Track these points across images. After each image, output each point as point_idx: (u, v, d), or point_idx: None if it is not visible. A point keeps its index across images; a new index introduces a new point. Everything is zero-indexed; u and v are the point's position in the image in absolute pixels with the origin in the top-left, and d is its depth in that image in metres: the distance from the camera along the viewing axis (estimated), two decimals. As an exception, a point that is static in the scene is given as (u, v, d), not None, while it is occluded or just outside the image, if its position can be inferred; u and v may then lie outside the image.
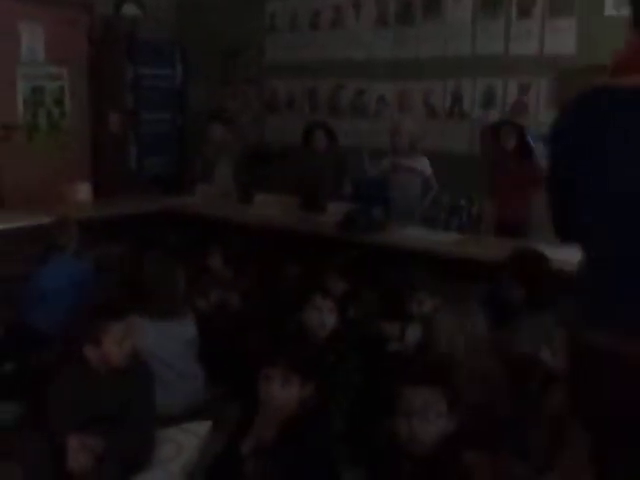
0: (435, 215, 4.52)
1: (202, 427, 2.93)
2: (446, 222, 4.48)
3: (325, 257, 4.02)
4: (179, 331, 3.26)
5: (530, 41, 5.23)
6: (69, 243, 4.03)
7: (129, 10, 6.68)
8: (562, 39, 5.10)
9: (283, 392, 2.27)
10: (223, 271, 4.09)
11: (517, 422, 2.51)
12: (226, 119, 5.90)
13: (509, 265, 3.30)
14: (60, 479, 2.50)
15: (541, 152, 4.69)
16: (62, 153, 6.39)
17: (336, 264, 3.84)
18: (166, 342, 3.18)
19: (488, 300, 3.50)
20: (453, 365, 2.46)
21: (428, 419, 2.10)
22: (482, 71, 5.48)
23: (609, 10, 4.89)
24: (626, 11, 1.74)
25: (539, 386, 2.52)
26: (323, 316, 3.15)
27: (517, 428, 2.49)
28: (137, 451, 2.65)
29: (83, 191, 5.29)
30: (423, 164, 4.85)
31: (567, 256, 3.66)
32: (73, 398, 2.64)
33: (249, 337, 3.50)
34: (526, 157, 4.76)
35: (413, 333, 3.31)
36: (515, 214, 4.68)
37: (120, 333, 2.65)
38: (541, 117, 5.20)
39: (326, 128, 5.37)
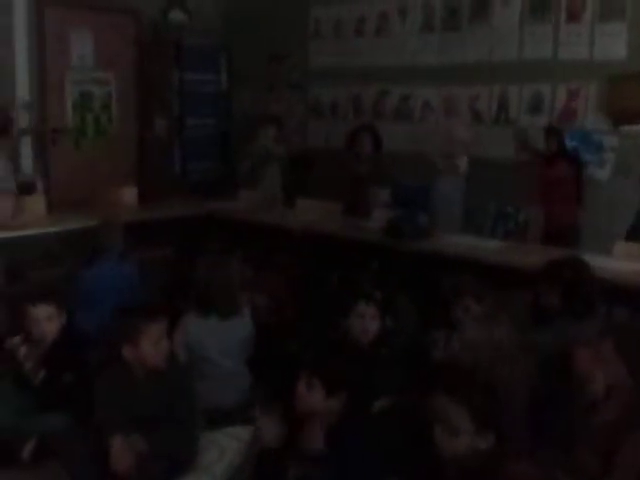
0: (481, 222, 4.47)
1: (245, 431, 2.96)
2: (492, 229, 4.42)
3: (367, 263, 4.01)
4: (232, 330, 3.30)
5: (579, 46, 5.13)
6: (115, 246, 4.08)
7: (176, 16, 6.76)
8: (612, 44, 4.99)
9: (308, 396, 2.33)
10: (242, 271, 4.07)
11: (566, 435, 2.45)
12: (278, 122, 5.93)
13: (546, 272, 3.24)
14: (105, 480, 2.53)
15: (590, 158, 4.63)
16: (109, 157, 6.50)
17: (373, 270, 3.82)
18: (217, 340, 3.23)
19: (528, 308, 3.45)
20: (482, 380, 2.40)
21: (454, 433, 2.09)
22: (529, 76, 5.41)
23: (662, 14, 4.79)
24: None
25: (590, 398, 2.45)
26: (366, 322, 3.13)
27: (566, 441, 2.44)
28: (180, 451, 2.69)
29: (129, 195, 5.34)
30: (461, 162, 4.80)
31: (612, 264, 3.64)
32: (116, 400, 2.69)
33: (284, 341, 3.51)
34: (570, 162, 4.70)
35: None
36: (561, 221, 4.60)
37: (156, 334, 2.69)
38: (590, 123, 5.13)
39: (373, 132, 5.35)
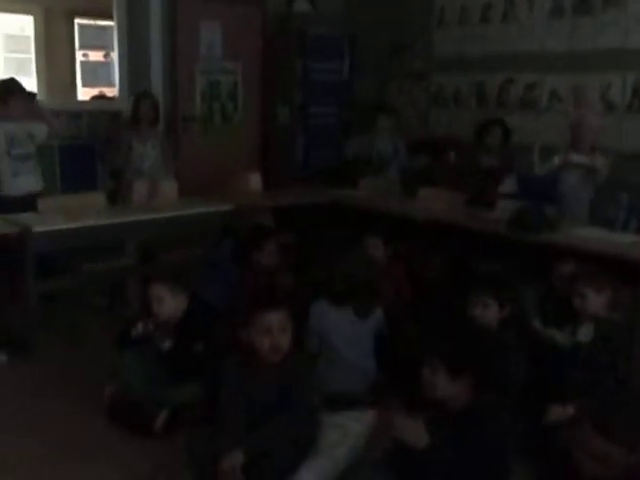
0: (613, 216, 4.29)
1: (367, 415, 2.99)
2: (625, 223, 4.24)
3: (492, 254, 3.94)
4: (364, 325, 3.33)
5: None
6: (243, 229, 4.23)
7: (300, 6, 6.86)
8: None
9: (433, 381, 2.39)
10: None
11: None
12: (391, 109, 5.94)
13: None
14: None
15: None
16: (234, 144, 6.69)
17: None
18: (346, 332, 3.28)
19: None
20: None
21: (601, 460, 2.04)
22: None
23: None
24: None
25: None
26: (489, 312, 3.16)
27: None
28: (303, 435, 2.71)
29: (254, 181, 5.48)
30: (600, 163, 4.61)
31: None
32: (239, 385, 2.71)
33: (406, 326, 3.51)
34: None
35: (585, 333, 3.19)
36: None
37: (267, 325, 2.65)
38: None
39: (503, 125, 5.29)
